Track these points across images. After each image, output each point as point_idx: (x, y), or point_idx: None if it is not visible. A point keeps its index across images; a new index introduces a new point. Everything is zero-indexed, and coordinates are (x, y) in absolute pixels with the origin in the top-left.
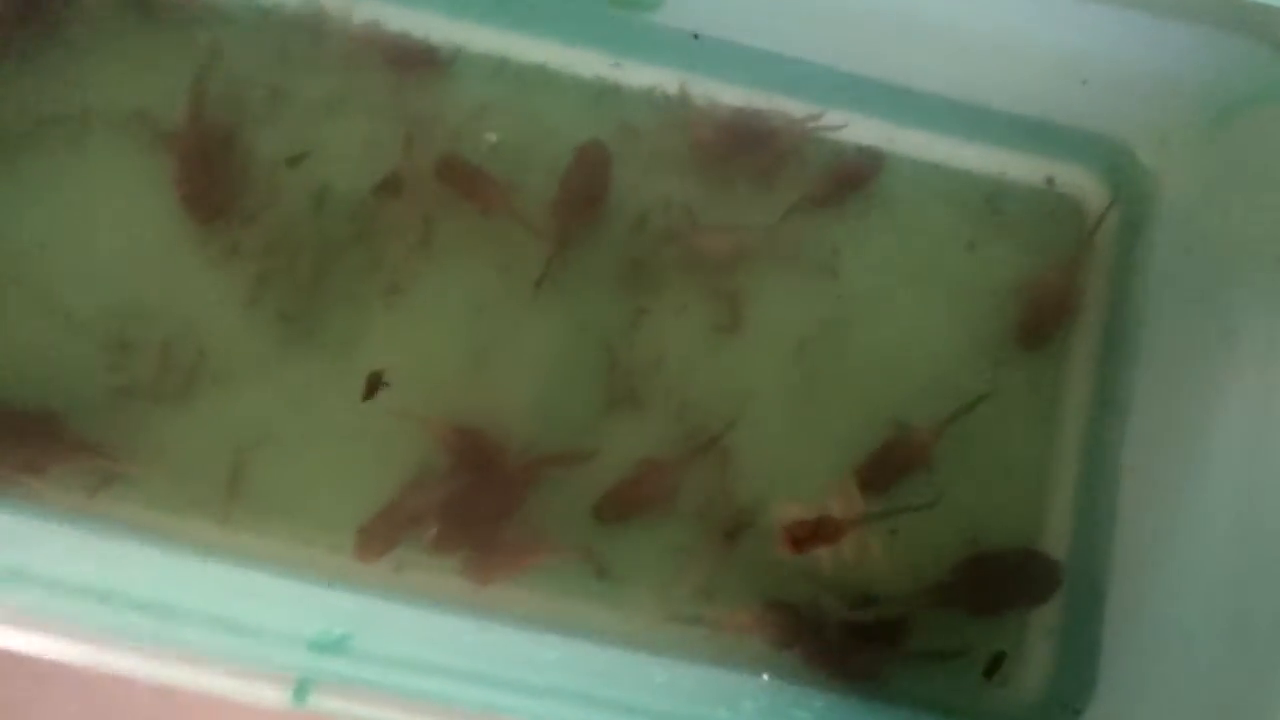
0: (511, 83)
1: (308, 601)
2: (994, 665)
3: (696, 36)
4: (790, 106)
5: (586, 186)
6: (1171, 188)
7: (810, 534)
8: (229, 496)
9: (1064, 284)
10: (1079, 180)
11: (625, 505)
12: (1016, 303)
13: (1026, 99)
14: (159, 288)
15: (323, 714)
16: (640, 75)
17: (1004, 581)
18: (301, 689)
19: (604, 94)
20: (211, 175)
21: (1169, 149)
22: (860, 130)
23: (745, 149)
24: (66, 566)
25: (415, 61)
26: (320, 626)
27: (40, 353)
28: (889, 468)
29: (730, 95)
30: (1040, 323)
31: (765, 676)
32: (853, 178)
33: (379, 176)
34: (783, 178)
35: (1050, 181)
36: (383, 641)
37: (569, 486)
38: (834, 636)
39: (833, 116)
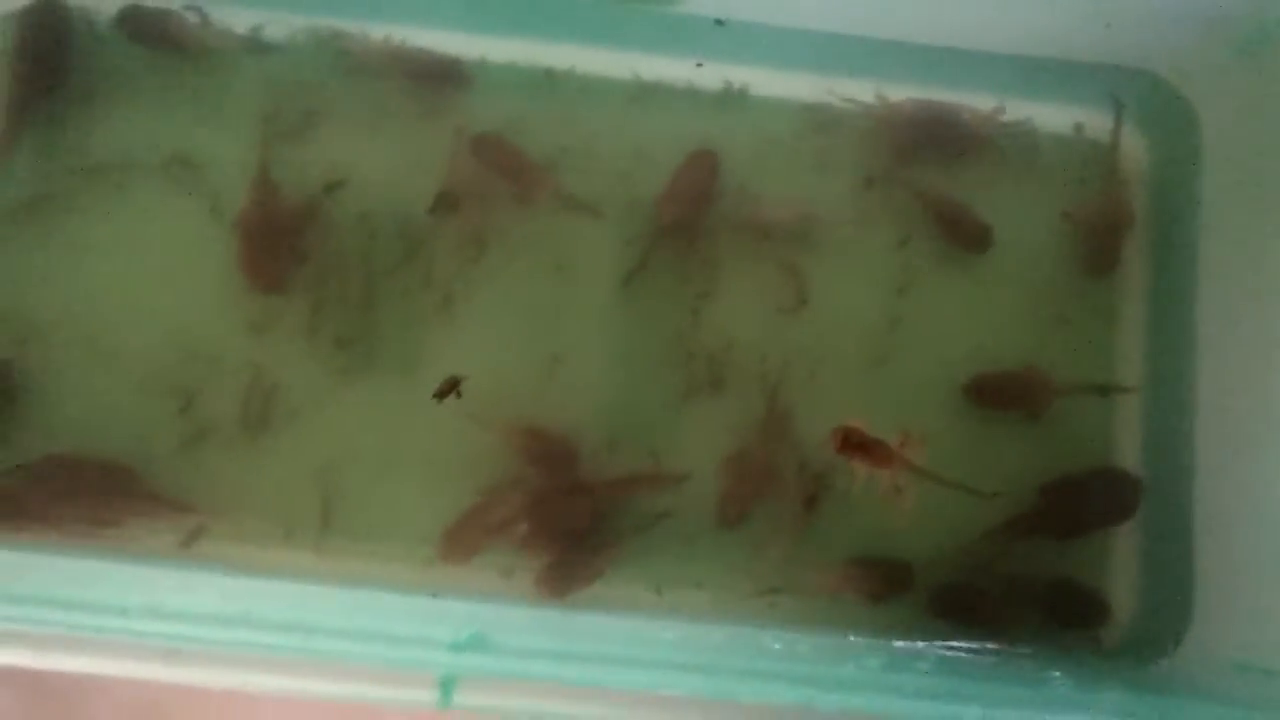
0: (549, 91)
1: (424, 613)
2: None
3: (720, 22)
4: (820, 82)
5: (692, 187)
6: (1207, 118)
7: (860, 444)
8: (322, 525)
9: (1110, 205)
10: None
11: (741, 505)
12: (1073, 235)
13: (1052, 44)
14: (216, 331)
15: (469, 710)
16: (675, 69)
17: (1087, 502)
18: (446, 687)
19: (643, 93)
20: (275, 251)
21: (1197, 81)
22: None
23: (934, 141)
24: (182, 598)
25: (439, 76)
26: (447, 631)
27: (107, 407)
28: (1003, 392)
29: (746, 75)
30: (1100, 248)
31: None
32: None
33: (429, 196)
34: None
35: (1079, 128)
36: (512, 637)
37: None
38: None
39: (851, 84)
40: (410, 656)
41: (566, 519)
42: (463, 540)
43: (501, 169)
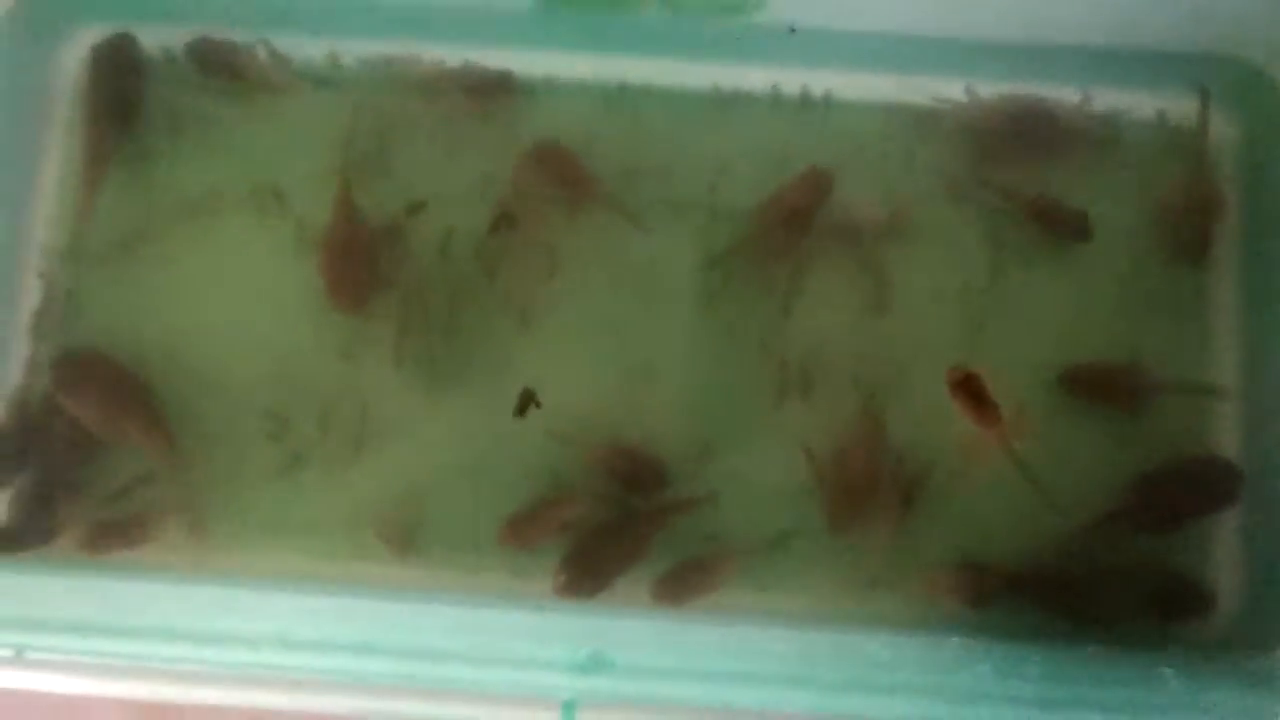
0: (624, 104)
1: (534, 628)
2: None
3: (793, 30)
4: (904, 82)
5: (799, 207)
6: None
7: (975, 393)
8: (418, 542)
9: (1198, 191)
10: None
11: (854, 508)
12: (1163, 223)
13: (1139, 34)
14: (310, 357)
15: None
16: (752, 78)
17: (1184, 492)
18: (569, 711)
19: (724, 104)
20: (358, 271)
21: None
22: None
23: (1027, 135)
24: (291, 624)
25: (491, 90)
26: (564, 649)
27: (210, 436)
28: (1100, 385)
29: (829, 79)
30: (1191, 235)
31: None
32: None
33: (491, 217)
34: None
35: (1166, 116)
36: (628, 653)
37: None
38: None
39: (935, 83)
40: (533, 680)
41: (607, 558)
42: (525, 531)
43: (556, 178)
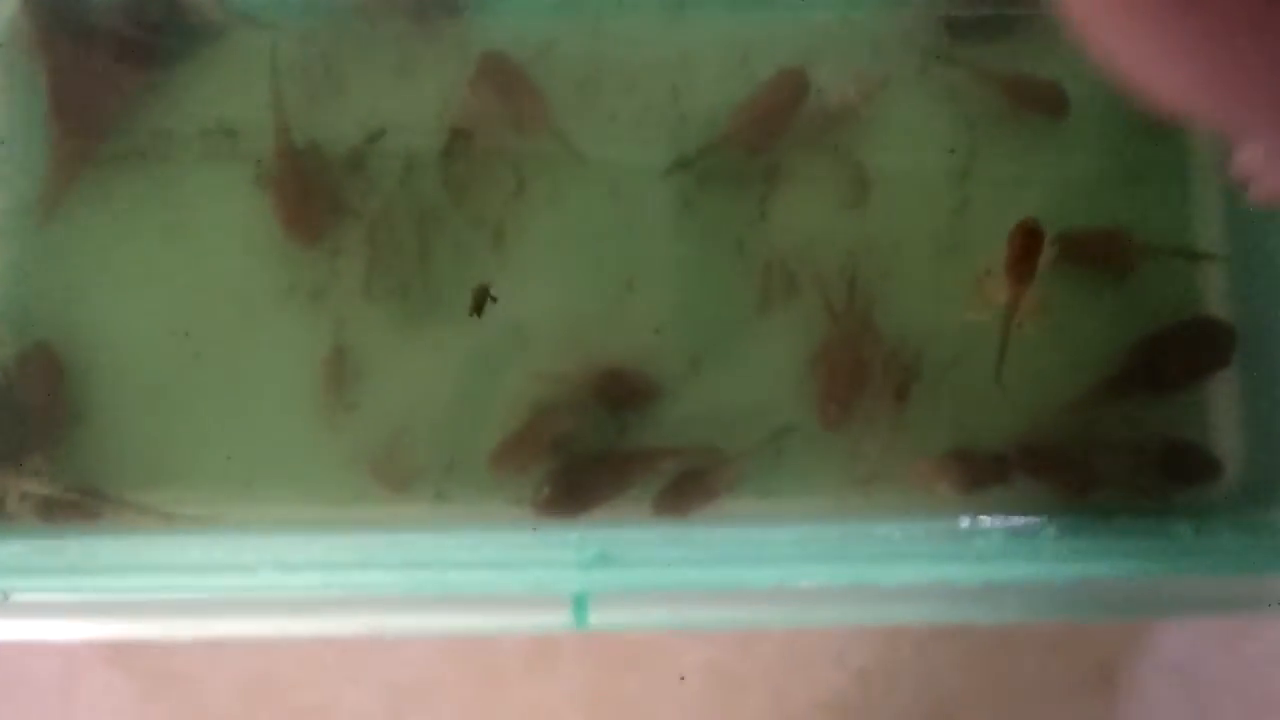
0: (579, 9)
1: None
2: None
3: None
4: None
5: (773, 105)
6: None
7: (1031, 251)
8: (408, 478)
9: None
10: None
11: (841, 404)
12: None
13: None
14: (276, 301)
15: (605, 629)
16: None
17: (1184, 352)
18: (580, 606)
19: (681, 5)
20: (310, 201)
21: None
22: None
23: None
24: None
25: (436, 11)
26: (567, 550)
27: (175, 392)
28: (1089, 249)
29: None
30: None
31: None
32: None
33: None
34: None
35: None
36: (635, 551)
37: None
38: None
39: None
40: (541, 578)
41: (595, 487)
42: (515, 454)
43: (501, 94)
